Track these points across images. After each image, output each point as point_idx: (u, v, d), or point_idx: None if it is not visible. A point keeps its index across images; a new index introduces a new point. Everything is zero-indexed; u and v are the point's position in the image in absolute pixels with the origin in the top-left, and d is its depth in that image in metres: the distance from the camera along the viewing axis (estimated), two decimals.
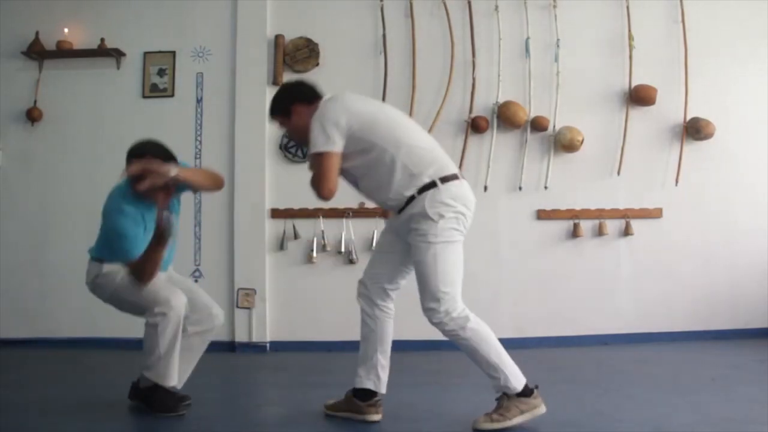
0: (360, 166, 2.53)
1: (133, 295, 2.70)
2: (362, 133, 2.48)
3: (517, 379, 2.48)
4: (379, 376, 2.65)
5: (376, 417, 2.62)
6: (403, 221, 2.53)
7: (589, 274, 4.44)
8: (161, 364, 2.67)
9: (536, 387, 2.53)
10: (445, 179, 2.48)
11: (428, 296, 2.49)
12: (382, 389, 2.67)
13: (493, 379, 2.50)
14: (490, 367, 2.48)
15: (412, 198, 2.47)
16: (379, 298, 2.65)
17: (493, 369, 2.48)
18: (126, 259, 2.64)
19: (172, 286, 2.77)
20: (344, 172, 2.57)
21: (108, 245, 2.72)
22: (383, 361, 2.67)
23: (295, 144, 4.47)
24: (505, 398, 2.48)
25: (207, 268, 4.46)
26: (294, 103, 2.65)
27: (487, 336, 2.50)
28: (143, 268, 2.61)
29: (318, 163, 2.49)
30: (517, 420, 2.46)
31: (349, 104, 2.55)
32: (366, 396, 2.64)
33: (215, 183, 2.89)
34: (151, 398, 2.72)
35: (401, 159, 2.47)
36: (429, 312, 2.50)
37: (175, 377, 2.72)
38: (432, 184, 2.46)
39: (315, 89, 2.71)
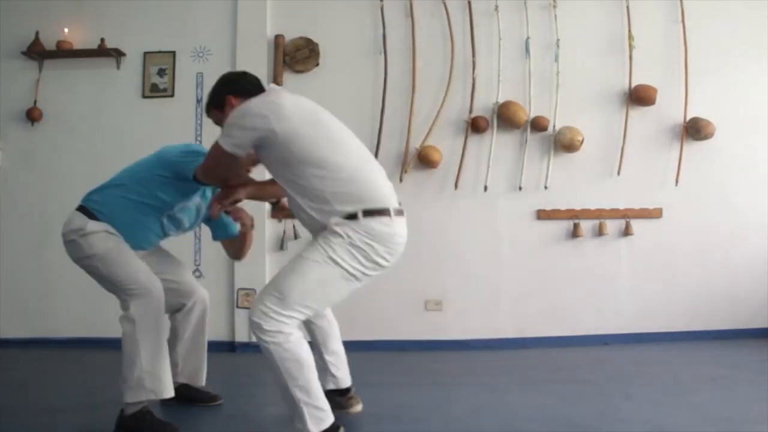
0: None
1: (110, 267, 2.48)
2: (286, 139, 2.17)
3: (317, 421, 2.13)
4: (335, 375, 2.63)
5: (358, 407, 2.64)
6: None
7: (589, 274, 4.44)
8: (149, 372, 2.40)
9: (342, 425, 2.22)
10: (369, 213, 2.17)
11: (265, 290, 2.20)
12: (343, 384, 2.65)
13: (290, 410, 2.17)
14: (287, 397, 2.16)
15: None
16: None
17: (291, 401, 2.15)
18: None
19: (151, 272, 2.55)
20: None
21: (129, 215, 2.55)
22: (331, 359, 2.62)
23: None
24: None
25: (207, 268, 4.46)
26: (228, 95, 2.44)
27: (298, 359, 2.13)
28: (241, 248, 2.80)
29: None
30: None
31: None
32: (339, 393, 2.63)
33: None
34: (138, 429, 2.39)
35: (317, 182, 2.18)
36: (252, 312, 2.16)
37: (171, 386, 2.49)
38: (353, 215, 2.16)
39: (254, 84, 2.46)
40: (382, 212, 2.18)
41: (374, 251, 2.16)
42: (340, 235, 2.14)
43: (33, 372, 3.72)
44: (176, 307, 2.83)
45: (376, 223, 2.16)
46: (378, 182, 2.26)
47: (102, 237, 2.51)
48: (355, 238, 2.14)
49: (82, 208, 2.60)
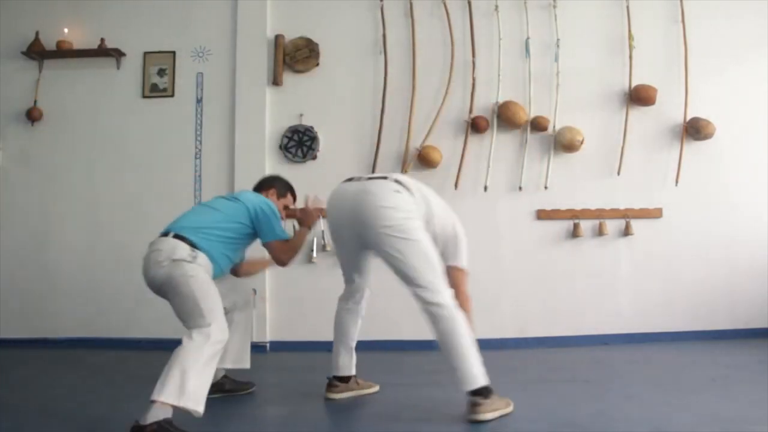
0: None
1: (203, 293, 2.57)
2: None
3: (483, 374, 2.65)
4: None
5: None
6: None
7: (589, 274, 4.44)
8: (195, 385, 2.39)
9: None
10: None
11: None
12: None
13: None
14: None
15: None
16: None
17: None
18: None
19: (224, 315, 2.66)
20: None
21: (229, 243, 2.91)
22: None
23: (295, 144, 4.48)
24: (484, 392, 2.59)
25: None
26: None
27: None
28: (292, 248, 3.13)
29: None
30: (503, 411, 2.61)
31: None
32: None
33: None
34: None
35: None
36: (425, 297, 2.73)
37: (203, 405, 2.45)
38: None
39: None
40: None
41: None
42: None
43: (33, 372, 3.71)
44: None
45: None
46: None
47: (205, 269, 2.74)
48: None
49: (181, 237, 2.74)
